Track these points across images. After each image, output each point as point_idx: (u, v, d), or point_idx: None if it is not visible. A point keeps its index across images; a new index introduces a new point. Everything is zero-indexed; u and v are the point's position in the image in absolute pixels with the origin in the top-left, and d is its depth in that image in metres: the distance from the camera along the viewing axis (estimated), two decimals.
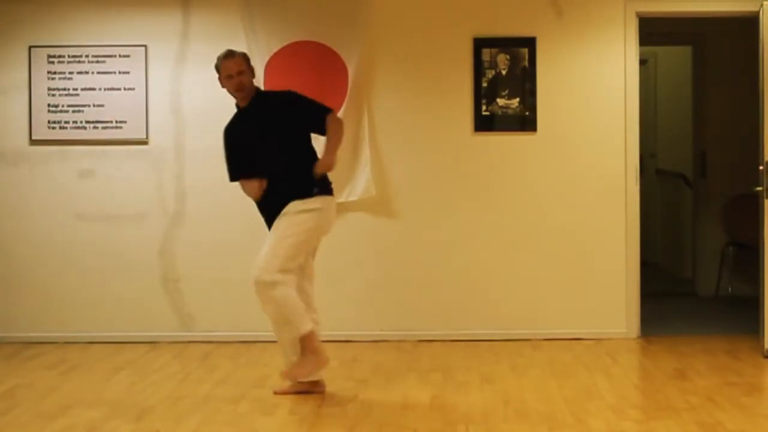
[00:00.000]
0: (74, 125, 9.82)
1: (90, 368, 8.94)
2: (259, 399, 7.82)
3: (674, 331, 10.17)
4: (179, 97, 9.80)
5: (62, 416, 7.33)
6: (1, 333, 9.98)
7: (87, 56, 9.81)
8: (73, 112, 9.82)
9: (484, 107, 9.82)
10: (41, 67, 9.86)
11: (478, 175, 9.85)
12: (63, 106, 9.82)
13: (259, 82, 9.61)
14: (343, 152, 9.58)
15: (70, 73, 9.84)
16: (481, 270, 9.88)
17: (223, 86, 8.07)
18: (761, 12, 9.10)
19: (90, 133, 9.83)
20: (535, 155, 9.85)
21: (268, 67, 9.79)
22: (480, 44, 9.81)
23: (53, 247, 9.98)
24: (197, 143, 9.73)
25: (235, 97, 8.12)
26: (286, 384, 8.03)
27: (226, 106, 8.39)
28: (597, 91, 9.84)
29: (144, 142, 9.88)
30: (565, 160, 9.84)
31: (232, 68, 8.01)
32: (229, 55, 8.05)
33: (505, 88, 9.82)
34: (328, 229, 8.09)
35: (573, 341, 9.71)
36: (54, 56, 9.84)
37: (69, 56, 9.82)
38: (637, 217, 9.92)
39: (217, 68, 8.07)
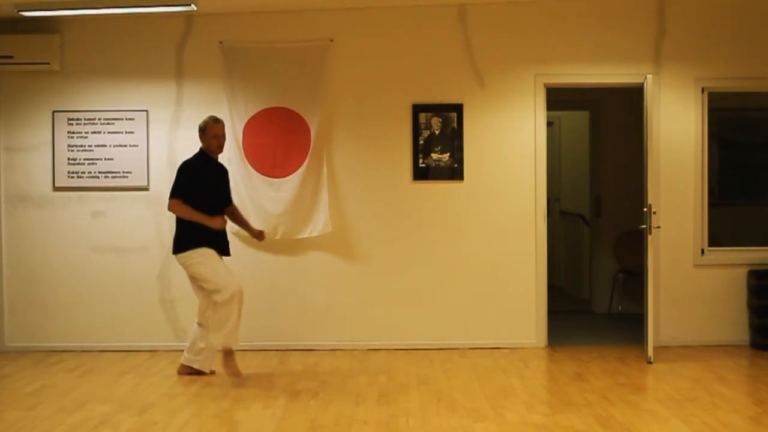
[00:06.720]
0: (89, 175, 9.84)
1: (102, 371, 8.93)
2: (239, 396, 7.84)
3: (575, 342, 10.19)
4: (174, 152, 9.80)
5: (79, 410, 7.37)
6: (29, 343, 10.00)
7: (99, 119, 9.85)
8: (89, 164, 9.86)
9: (420, 160, 9.88)
10: (62, 128, 9.87)
11: (417, 214, 9.93)
12: (80, 159, 9.87)
13: (238, 140, 9.72)
14: (305, 197, 9.71)
15: (86, 132, 9.85)
16: (419, 291, 9.92)
17: (207, 143, 8.53)
18: (645, 83, 9.29)
19: (102, 182, 9.85)
20: (462, 199, 9.89)
21: (247, 127, 9.83)
22: (418, 109, 9.85)
23: (72, 273, 10.02)
24: None
25: (213, 152, 8.61)
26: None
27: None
28: (512, 148, 9.87)
29: (145, 189, 9.88)
30: (486, 203, 9.89)
31: (220, 131, 8.57)
32: (219, 120, 8.61)
33: (438, 144, 9.87)
34: None
35: (493, 350, 9.74)
36: (73, 119, 9.88)
37: (85, 119, 9.87)
38: (545, 250, 9.96)
39: (203, 129, 8.54)
